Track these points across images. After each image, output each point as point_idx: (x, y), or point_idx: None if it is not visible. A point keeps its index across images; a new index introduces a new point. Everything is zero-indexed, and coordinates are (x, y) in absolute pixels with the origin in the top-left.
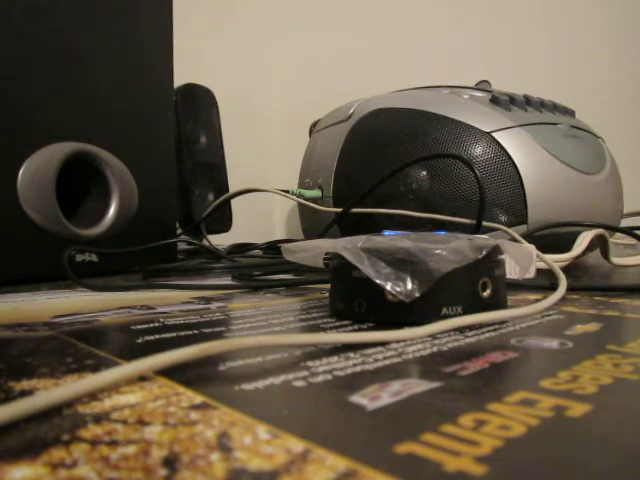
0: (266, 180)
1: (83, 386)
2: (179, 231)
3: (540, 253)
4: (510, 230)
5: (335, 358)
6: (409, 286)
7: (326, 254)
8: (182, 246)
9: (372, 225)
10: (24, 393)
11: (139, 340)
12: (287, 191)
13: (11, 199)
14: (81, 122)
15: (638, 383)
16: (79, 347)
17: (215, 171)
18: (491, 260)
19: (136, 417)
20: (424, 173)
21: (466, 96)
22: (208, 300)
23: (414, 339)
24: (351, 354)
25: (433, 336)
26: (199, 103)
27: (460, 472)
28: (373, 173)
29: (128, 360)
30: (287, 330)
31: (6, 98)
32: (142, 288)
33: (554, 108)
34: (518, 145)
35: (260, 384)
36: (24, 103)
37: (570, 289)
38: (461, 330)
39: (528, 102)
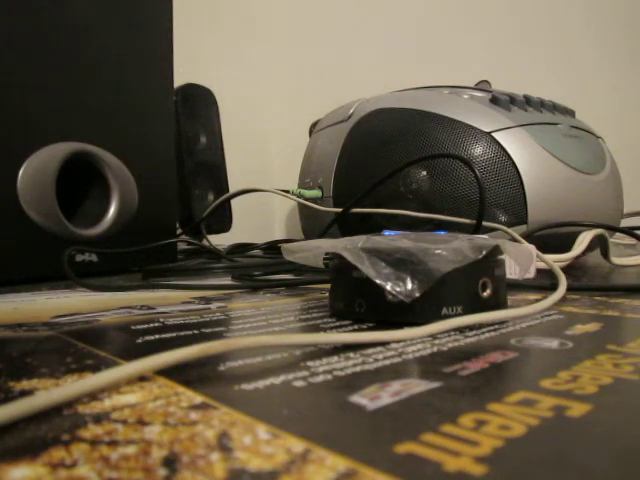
0: (266, 180)
1: (83, 386)
2: (179, 231)
3: (540, 253)
4: (510, 230)
5: (335, 358)
6: (409, 286)
7: (326, 254)
8: (182, 246)
9: (372, 225)
10: (24, 393)
11: (139, 340)
12: (287, 191)
13: (11, 199)
14: (81, 122)
15: (638, 383)
16: (79, 347)
17: (215, 171)
18: (491, 260)
19: (136, 417)
20: (424, 173)
21: (466, 96)
22: (208, 300)
23: (414, 339)
24: (351, 354)
25: (433, 336)
26: (199, 103)
27: (460, 472)
28: (373, 173)
29: (128, 360)
30: (287, 330)
31: (6, 98)
32: (142, 288)
33: (554, 108)
34: (518, 145)
35: (260, 384)
36: (24, 103)
37: (570, 289)
38: (461, 330)
39: (528, 102)
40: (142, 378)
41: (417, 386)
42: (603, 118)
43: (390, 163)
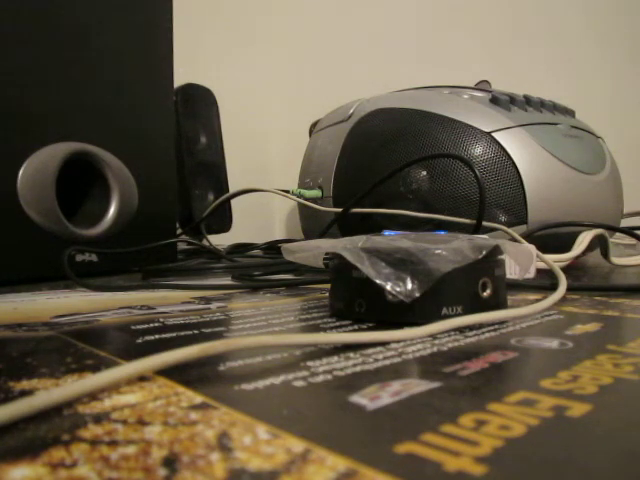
0: (266, 180)
1: (83, 386)
2: (179, 231)
3: (540, 253)
4: (510, 230)
5: (335, 358)
6: (409, 286)
7: (326, 254)
8: (182, 246)
9: (372, 225)
10: (24, 393)
11: (139, 340)
12: (287, 191)
13: (11, 199)
14: (81, 122)
15: (638, 383)
16: (79, 347)
17: (215, 171)
18: (491, 260)
19: (136, 417)
20: (424, 173)
21: (466, 96)
22: (208, 300)
23: (414, 339)
24: (351, 354)
25: (433, 336)
26: (199, 103)
27: (460, 472)
28: (373, 173)
29: (128, 360)
30: (287, 330)
31: (6, 98)
32: (142, 288)
33: (554, 108)
34: (518, 145)
35: (260, 384)
36: (24, 103)
37: (570, 289)
38: (461, 330)
39: (528, 102)
40: (142, 378)
41: (417, 386)
42: (603, 118)
43: (390, 163)
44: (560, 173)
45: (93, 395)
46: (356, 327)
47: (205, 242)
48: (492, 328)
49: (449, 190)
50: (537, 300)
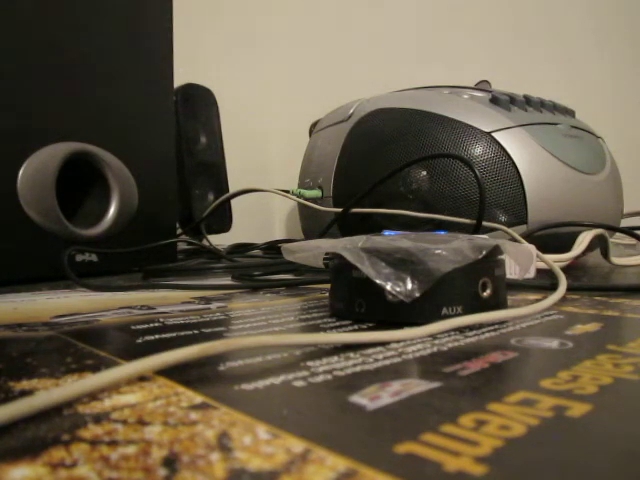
0: (266, 180)
1: (83, 386)
2: (179, 231)
3: (540, 253)
4: (510, 230)
5: (335, 358)
6: (409, 286)
7: (326, 254)
8: (182, 246)
9: (372, 225)
10: (24, 393)
11: (139, 340)
12: (287, 191)
13: (11, 199)
14: (81, 122)
15: (638, 383)
16: (79, 347)
17: (215, 171)
18: (491, 260)
19: (136, 417)
20: (424, 173)
21: (466, 96)
22: (208, 300)
23: (414, 339)
24: (351, 354)
25: (433, 336)
26: (199, 103)
27: (460, 472)
28: (373, 173)
29: (128, 360)
30: (287, 330)
31: (6, 98)
32: (142, 288)
33: (554, 108)
34: (518, 145)
35: (260, 384)
36: (24, 103)
37: (570, 289)
38: (461, 330)
39: (528, 102)
40: (142, 378)
41: (417, 386)
42: (603, 118)
43: (390, 163)
44: (560, 173)
45: (93, 395)
46: (356, 327)
47: (205, 242)
48: (492, 328)
49: (449, 190)
50: (537, 300)
